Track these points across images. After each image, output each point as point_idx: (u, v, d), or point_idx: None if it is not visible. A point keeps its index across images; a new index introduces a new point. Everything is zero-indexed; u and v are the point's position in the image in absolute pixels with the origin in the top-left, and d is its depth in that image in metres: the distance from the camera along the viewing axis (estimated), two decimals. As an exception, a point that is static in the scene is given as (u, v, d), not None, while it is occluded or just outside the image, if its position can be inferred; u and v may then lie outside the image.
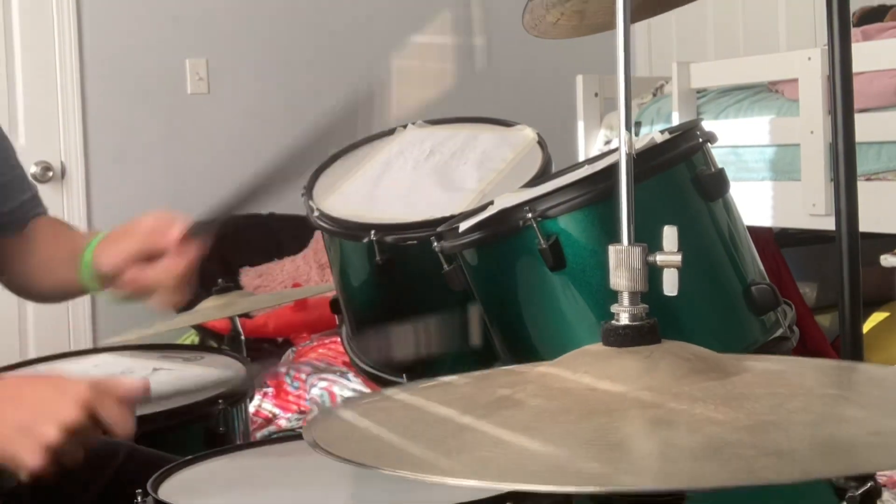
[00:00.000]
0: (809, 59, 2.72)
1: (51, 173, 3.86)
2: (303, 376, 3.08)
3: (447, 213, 1.58)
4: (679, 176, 1.41)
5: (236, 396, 1.71)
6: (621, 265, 0.89)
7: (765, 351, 1.40)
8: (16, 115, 3.80)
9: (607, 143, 3.46)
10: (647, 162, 1.36)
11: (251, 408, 2.49)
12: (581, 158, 3.28)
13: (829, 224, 2.72)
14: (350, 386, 3.01)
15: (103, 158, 3.98)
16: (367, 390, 2.93)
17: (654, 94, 3.42)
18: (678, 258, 0.89)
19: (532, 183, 1.60)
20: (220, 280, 2.48)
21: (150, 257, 1.40)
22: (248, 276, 3.84)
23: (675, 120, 3.09)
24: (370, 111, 1.51)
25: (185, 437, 1.62)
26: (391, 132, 1.89)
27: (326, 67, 4.30)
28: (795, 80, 2.79)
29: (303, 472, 1.26)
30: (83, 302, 3.90)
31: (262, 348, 3.42)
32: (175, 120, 4.13)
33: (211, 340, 3.36)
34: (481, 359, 1.62)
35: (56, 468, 1.17)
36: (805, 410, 0.78)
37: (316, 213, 1.71)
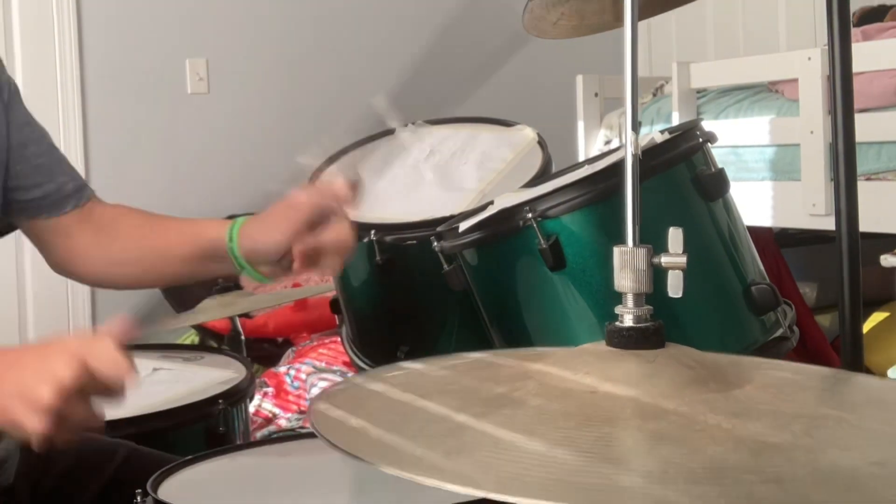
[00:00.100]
0: (809, 59, 2.72)
1: (51, 173, 3.86)
2: (303, 376, 3.08)
3: (447, 213, 1.58)
4: (679, 176, 1.41)
5: (236, 396, 1.71)
6: (626, 266, 0.89)
7: (765, 351, 1.40)
8: (16, 115, 3.80)
9: (607, 143, 3.46)
10: (647, 162, 1.36)
11: (251, 408, 2.49)
12: (581, 158, 3.28)
13: (829, 224, 2.72)
14: (350, 386, 3.01)
15: (103, 158, 3.98)
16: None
17: (654, 94, 3.41)
18: (683, 260, 0.89)
19: (532, 183, 1.60)
20: (220, 280, 2.48)
21: (314, 226, 1.36)
22: (248, 276, 3.84)
23: (675, 120, 3.09)
24: None
25: (185, 437, 1.63)
26: (391, 132, 1.89)
27: (326, 67, 4.31)
28: (795, 80, 2.79)
29: (303, 471, 1.26)
30: (83, 297, 3.90)
31: (262, 348, 3.42)
32: (175, 120, 4.13)
33: (211, 340, 3.36)
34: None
35: (67, 433, 1.11)
36: (807, 434, 0.78)
37: (316, 213, 1.71)
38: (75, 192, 1.52)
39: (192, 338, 3.55)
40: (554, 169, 1.70)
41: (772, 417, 0.80)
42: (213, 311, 2.38)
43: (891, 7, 3.48)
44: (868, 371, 2.58)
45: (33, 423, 1.09)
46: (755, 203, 2.87)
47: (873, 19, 3.29)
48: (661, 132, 1.47)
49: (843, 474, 0.72)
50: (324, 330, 3.42)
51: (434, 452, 0.77)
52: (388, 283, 1.64)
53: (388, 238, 1.61)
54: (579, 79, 3.53)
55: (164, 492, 1.19)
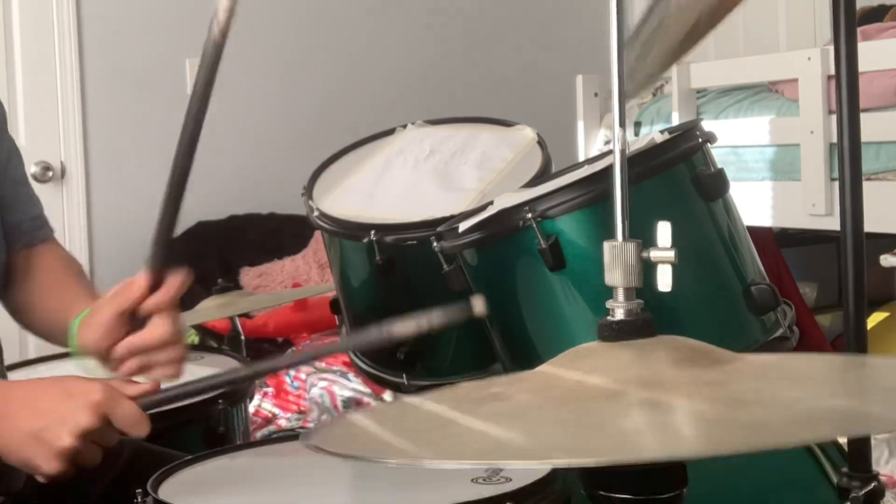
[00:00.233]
0: (809, 59, 2.72)
1: (51, 173, 3.85)
2: (303, 376, 3.08)
3: (447, 213, 1.58)
4: (679, 176, 1.41)
5: (236, 396, 1.71)
6: (616, 261, 0.89)
7: (764, 351, 1.40)
8: (16, 115, 3.79)
9: (607, 143, 3.46)
10: (646, 162, 1.36)
11: (251, 408, 2.49)
12: (581, 158, 3.28)
13: (829, 224, 2.74)
14: (350, 386, 3.01)
15: (103, 158, 3.98)
16: (366, 390, 2.93)
17: (654, 94, 3.42)
18: (671, 254, 0.89)
19: (532, 183, 1.60)
20: (220, 280, 2.49)
21: (132, 323, 1.31)
22: (248, 276, 3.84)
23: (675, 120, 3.09)
24: None
25: (185, 436, 1.62)
26: (391, 132, 1.89)
27: (326, 67, 4.30)
28: (795, 80, 2.79)
29: (302, 472, 1.26)
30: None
31: (262, 348, 3.42)
32: (175, 120, 4.11)
33: (211, 340, 3.36)
34: (481, 358, 1.62)
35: (73, 469, 1.19)
36: (788, 391, 0.80)
37: (316, 213, 1.71)
38: (38, 226, 1.56)
39: (192, 338, 3.55)
40: (554, 169, 1.70)
41: (755, 381, 0.82)
42: (212, 311, 2.38)
43: (891, 7, 3.48)
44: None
45: (49, 466, 1.17)
46: (755, 203, 2.87)
47: (873, 19, 3.29)
48: (661, 132, 1.47)
49: (815, 418, 0.75)
50: (324, 330, 3.42)
51: (418, 443, 0.79)
52: (388, 284, 1.64)
53: (388, 238, 1.61)
54: (579, 79, 3.53)
55: (164, 492, 1.19)
